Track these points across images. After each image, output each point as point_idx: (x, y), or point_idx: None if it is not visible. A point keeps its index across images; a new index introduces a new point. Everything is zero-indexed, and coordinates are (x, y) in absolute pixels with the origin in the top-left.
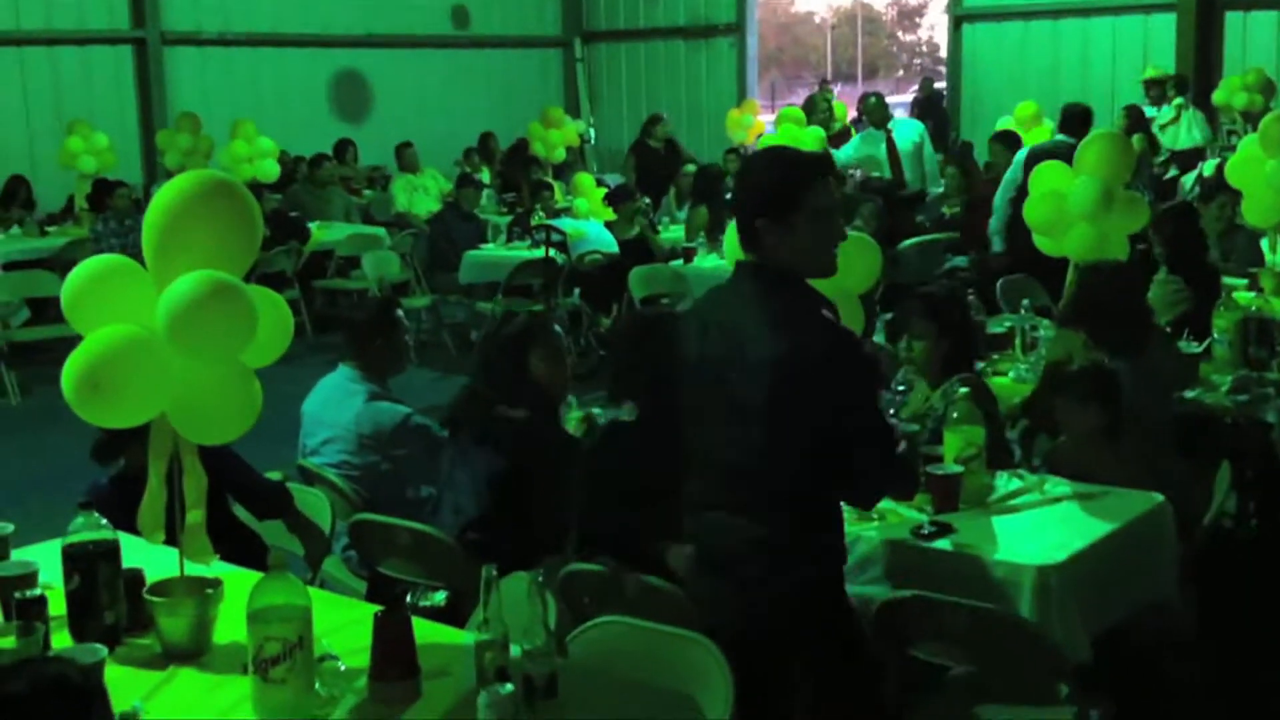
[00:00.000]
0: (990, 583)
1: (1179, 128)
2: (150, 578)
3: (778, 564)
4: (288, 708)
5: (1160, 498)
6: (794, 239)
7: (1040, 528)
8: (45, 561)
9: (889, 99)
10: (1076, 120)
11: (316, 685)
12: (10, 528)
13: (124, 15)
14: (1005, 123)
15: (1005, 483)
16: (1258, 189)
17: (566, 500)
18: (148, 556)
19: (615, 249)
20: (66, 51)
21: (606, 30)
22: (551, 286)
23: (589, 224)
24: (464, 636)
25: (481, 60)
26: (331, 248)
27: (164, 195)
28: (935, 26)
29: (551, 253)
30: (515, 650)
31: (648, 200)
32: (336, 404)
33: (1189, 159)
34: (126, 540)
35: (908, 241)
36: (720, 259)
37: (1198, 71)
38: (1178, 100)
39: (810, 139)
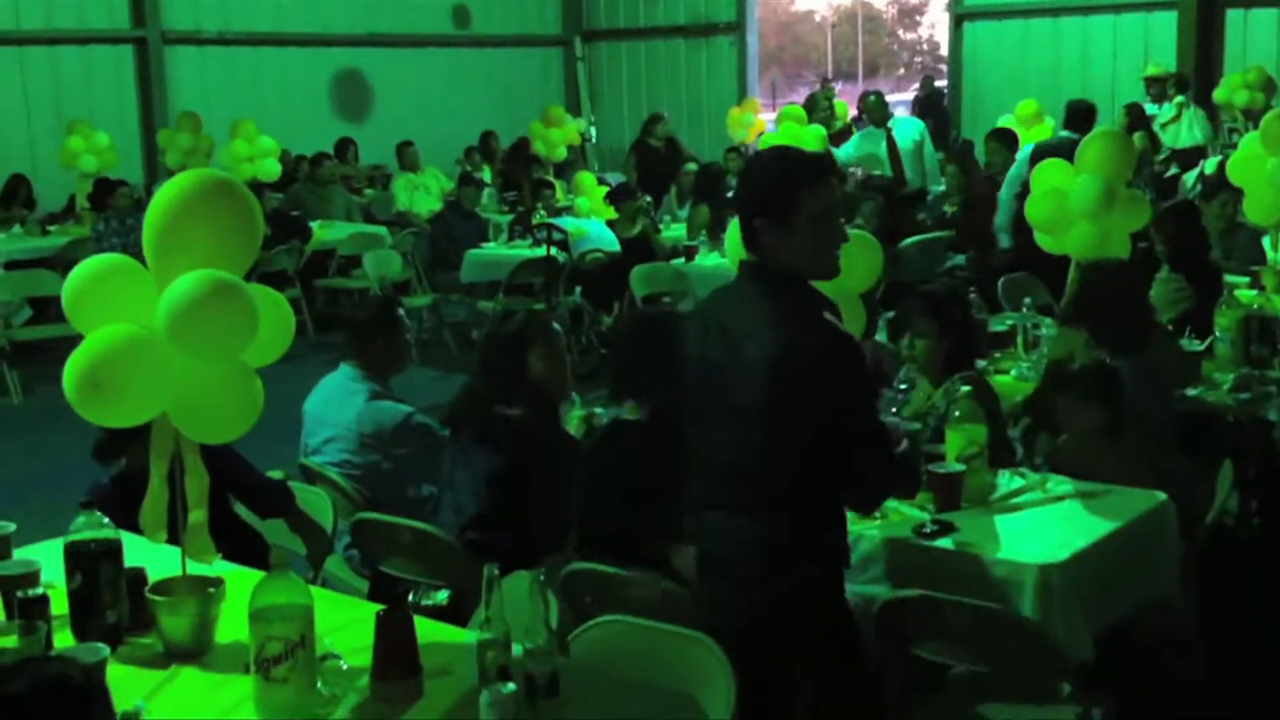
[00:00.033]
0: (992, 581)
1: (1180, 126)
2: (152, 577)
3: (778, 564)
4: (290, 707)
5: (1162, 496)
6: (793, 240)
7: (1042, 526)
8: (47, 560)
9: (890, 97)
10: (1081, 116)
11: (318, 684)
12: (12, 527)
13: (124, 15)
14: (1006, 121)
15: (1007, 481)
16: (1259, 187)
17: (565, 500)
18: (150, 555)
19: (616, 247)
20: (67, 51)
21: (607, 29)
22: (553, 285)
23: (590, 223)
24: (466, 635)
25: (482, 59)
26: (333, 247)
27: (165, 194)
28: (936, 25)
29: (553, 251)
30: (517, 649)
31: (649, 199)
32: (338, 403)
33: (1190, 157)
34: (128, 539)
35: (909, 240)
36: (721, 258)
37: (1199, 69)
38: (1179, 98)
39: (811, 137)
